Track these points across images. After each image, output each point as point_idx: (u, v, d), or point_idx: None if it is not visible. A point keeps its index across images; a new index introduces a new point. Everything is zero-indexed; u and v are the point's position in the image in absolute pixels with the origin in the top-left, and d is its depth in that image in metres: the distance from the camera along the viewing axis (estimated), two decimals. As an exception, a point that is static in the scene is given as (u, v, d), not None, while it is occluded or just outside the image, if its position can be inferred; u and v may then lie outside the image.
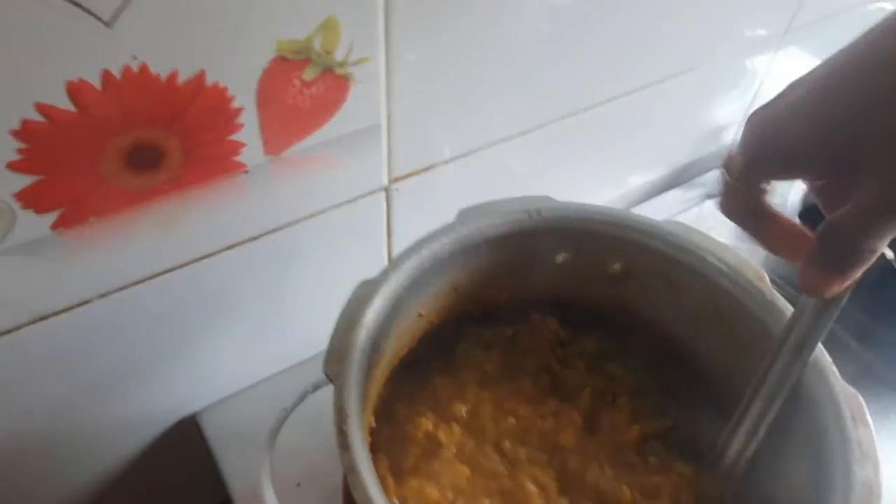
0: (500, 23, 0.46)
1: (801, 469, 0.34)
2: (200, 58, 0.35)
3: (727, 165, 0.29)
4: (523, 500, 0.38)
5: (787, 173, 0.29)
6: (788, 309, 0.37)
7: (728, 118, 0.77)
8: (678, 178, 0.79)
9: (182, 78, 0.35)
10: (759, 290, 0.38)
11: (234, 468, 0.53)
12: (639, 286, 0.44)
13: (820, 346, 0.35)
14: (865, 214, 0.25)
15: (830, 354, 0.61)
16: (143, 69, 0.34)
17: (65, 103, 0.33)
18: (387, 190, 0.51)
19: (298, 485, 0.52)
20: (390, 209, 0.52)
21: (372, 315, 0.36)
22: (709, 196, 0.77)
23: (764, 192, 0.30)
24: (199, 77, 0.36)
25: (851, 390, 0.34)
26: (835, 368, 0.35)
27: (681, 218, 0.73)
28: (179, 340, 0.49)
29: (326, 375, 0.34)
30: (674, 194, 0.77)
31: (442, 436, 0.39)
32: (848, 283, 0.28)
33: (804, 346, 0.33)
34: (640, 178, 0.75)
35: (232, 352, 0.53)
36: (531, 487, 0.38)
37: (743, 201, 0.30)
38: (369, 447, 0.39)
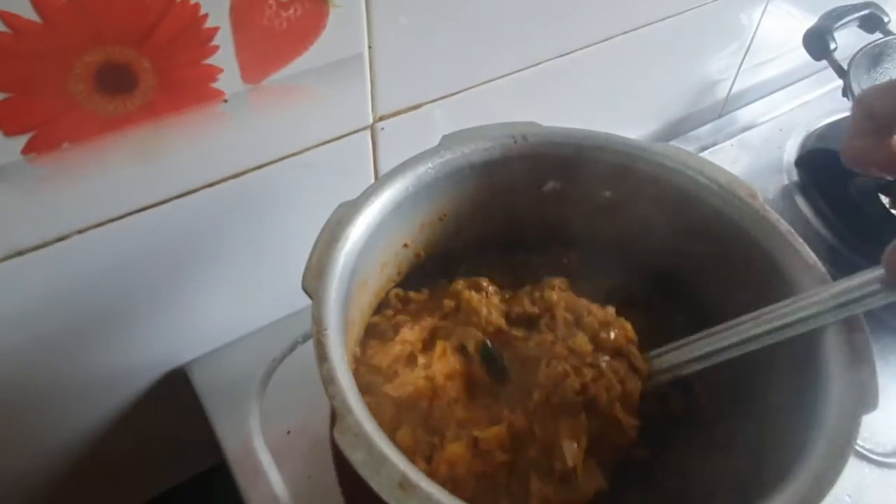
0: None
1: (788, 372, 0.33)
2: (170, -29, 0.34)
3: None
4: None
5: None
6: (780, 223, 0.36)
7: (720, 73, 0.75)
8: (673, 132, 0.78)
9: (151, -9, 0.34)
10: (751, 207, 0.37)
11: (223, 419, 0.52)
12: (629, 214, 0.43)
13: (812, 254, 0.34)
14: None
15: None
16: (110, -21, 0.33)
17: (29, 13, 0.32)
18: (372, 129, 0.50)
19: (288, 432, 0.51)
20: (376, 149, 0.51)
21: (352, 235, 0.35)
22: (703, 148, 0.76)
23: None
24: (170, -9, 0.35)
25: (847, 297, 0.33)
26: (830, 279, 0.34)
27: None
28: (163, 285, 0.48)
29: (305, 291, 0.33)
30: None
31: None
32: None
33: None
34: (635, 131, 0.73)
35: (219, 300, 0.53)
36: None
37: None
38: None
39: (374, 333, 0.40)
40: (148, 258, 0.46)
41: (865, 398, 0.29)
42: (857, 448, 0.50)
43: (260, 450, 0.50)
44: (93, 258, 0.43)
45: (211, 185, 0.45)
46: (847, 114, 0.68)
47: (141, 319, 0.50)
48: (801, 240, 0.35)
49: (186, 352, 0.54)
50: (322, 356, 0.30)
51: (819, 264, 0.34)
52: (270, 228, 0.50)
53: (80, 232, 0.42)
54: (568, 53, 0.57)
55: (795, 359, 0.33)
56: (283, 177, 0.48)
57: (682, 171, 0.39)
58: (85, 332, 0.47)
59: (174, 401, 0.55)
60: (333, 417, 0.34)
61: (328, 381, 0.30)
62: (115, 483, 0.60)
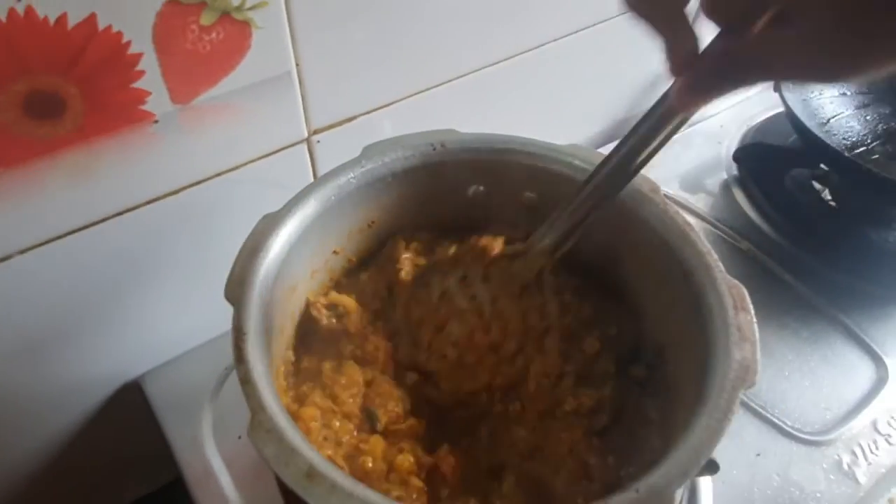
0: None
1: (686, 352, 0.35)
2: (89, 2, 0.36)
3: None
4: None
5: None
6: (679, 216, 0.39)
7: (660, 74, 0.78)
8: (618, 132, 0.80)
9: (72, 22, 0.36)
10: (653, 202, 0.40)
11: (177, 428, 0.53)
12: (549, 212, 0.45)
13: (706, 243, 0.37)
14: (788, 42, 0.25)
15: (766, 286, 0.63)
16: (30, 12, 0.35)
17: (-47, 47, 0.34)
18: (308, 142, 0.52)
19: (240, 437, 0.53)
20: (315, 162, 0.53)
21: (275, 245, 0.37)
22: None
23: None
24: (91, 21, 0.37)
25: (734, 281, 0.35)
26: (720, 264, 0.36)
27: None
28: (110, 300, 0.50)
29: (227, 299, 0.35)
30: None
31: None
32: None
33: (637, 155, 0.34)
34: (580, 134, 0.76)
35: (167, 312, 0.54)
36: None
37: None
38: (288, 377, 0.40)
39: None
40: (92, 275, 0.48)
41: (746, 375, 0.31)
42: (786, 427, 0.53)
43: (212, 455, 0.51)
44: (37, 277, 0.45)
45: (149, 202, 0.46)
46: (781, 110, 0.71)
47: (91, 335, 0.51)
48: (696, 230, 0.38)
49: (139, 365, 0.56)
50: (240, 359, 0.32)
51: (711, 252, 0.37)
52: (213, 241, 0.52)
53: (21, 252, 0.43)
54: (502, 61, 0.59)
55: (691, 340, 0.35)
56: (221, 192, 0.49)
57: (590, 170, 0.41)
58: (35, 350, 0.49)
59: (129, 414, 0.57)
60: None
61: (244, 381, 0.32)
62: (73, 500, 0.61)
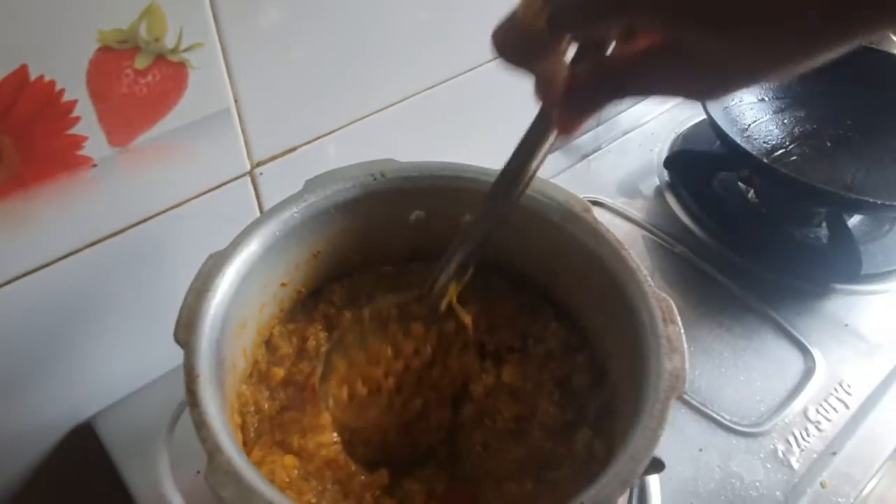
0: None
1: (624, 364, 0.37)
2: (19, 53, 0.36)
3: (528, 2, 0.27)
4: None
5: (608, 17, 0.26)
6: (610, 233, 0.41)
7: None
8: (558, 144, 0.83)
9: (1, 74, 0.36)
10: (585, 221, 0.42)
11: (133, 468, 0.53)
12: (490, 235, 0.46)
13: (636, 259, 0.39)
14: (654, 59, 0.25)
15: (700, 287, 0.67)
16: (-43, 67, 0.34)
17: None
18: (251, 174, 0.52)
19: (198, 472, 0.53)
20: (259, 194, 0.54)
21: (222, 284, 0.38)
22: (585, 156, 0.81)
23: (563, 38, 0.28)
24: (21, 72, 0.37)
25: (662, 295, 0.37)
26: (650, 278, 0.38)
27: (559, 179, 0.77)
28: (57, 343, 0.50)
29: (177, 342, 0.35)
30: (552, 157, 0.81)
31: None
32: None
33: (517, 184, 0.36)
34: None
35: (117, 352, 0.54)
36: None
37: (535, 42, 0.28)
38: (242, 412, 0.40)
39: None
40: (37, 320, 0.47)
41: (676, 384, 0.34)
42: (724, 422, 0.56)
43: (170, 493, 0.51)
44: (-22, 326, 0.44)
45: (91, 244, 0.46)
46: (704, 117, 0.75)
47: (37, 380, 0.51)
48: (626, 247, 0.40)
49: (90, 405, 0.55)
50: (193, 402, 0.33)
51: (640, 267, 0.39)
52: (160, 279, 0.52)
53: (-40, 304, 0.43)
54: (438, 84, 0.61)
55: (626, 352, 0.37)
56: (166, 229, 0.49)
57: (526, 193, 0.43)
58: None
59: (83, 456, 0.56)
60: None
61: (199, 425, 0.32)
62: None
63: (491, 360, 0.44)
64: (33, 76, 0.37)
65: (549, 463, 0.39)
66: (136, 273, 0.51)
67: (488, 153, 0.75)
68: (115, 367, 0.55)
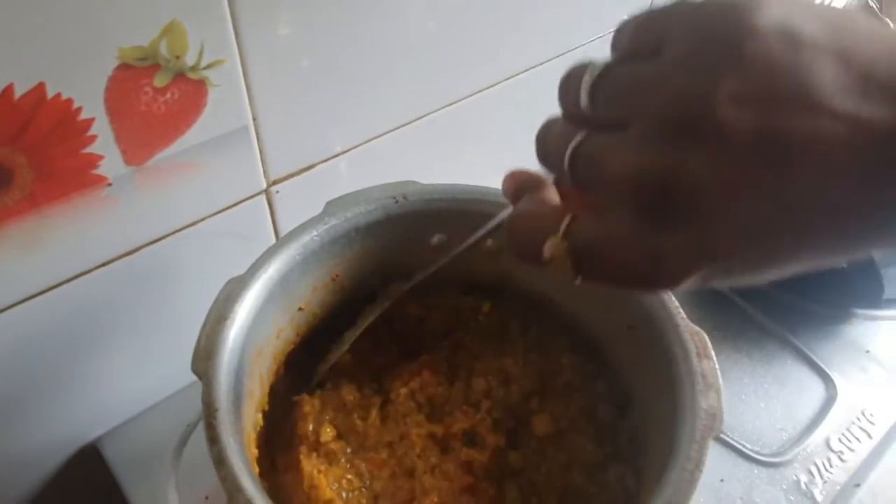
0: (359, 11, 0.47)
1: (653, 396, 0.36)
2: (37, 70, 0.35)
3: None
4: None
5: None
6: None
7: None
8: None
9: (19, 92, 0.35)
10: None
11: (139, 491, 0.52)
12: (510, 259, 0.45)
13: (669, 293, 0.38)
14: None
15: (719, 311, 0.65)
16: (-26, 85, 0.33)
17: None
18: (267, 193, 0.51)
19: (207, 497, 0.51)
20: (274, 212, 0.53)
21: (240, 312, 0.37)
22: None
23: None
24: (39, 90, 0.35)
25: (696, 328, 0.36)
26: (682, 311, 0.37)
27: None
28: (65, 364, 0.48)
29: (195, 373, 0.34)
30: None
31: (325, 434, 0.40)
32: None
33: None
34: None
35: (125, 372, 0.53)
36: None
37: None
38: (260, 445, 0.39)
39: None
40: (46, 340, 0.46)
41: (713, 423, 0.32)
42: (746, 451, 0.55)
43: (178, 518, 0.50)
44: (-13, 347, 0.43)
45: (104, 264, 0.45)
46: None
47: (45, 401, 0.49)
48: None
49: (96, 427, 0.54)
50: (213, 438, 0.32)
51: (671, 298, 0.38)
52: (172, 299, 0.51)
53: (-30, 324, 0.41)
54: (457, 101, 0.59)
55: (657, 388, 0.36)
56: (180, 248, 0.48)
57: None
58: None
59: (88, 478, 0.55)
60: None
61: (219, 462, 0.31)
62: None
63: (516, 420, 0.43)
64: (50, 94, 0.36)
65: (582, 500, 0.38)
66: (147, 292, 0.49)
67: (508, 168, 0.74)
68: (123, 388, 0.54)
